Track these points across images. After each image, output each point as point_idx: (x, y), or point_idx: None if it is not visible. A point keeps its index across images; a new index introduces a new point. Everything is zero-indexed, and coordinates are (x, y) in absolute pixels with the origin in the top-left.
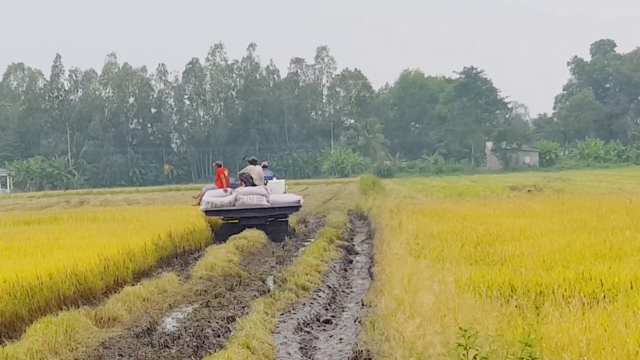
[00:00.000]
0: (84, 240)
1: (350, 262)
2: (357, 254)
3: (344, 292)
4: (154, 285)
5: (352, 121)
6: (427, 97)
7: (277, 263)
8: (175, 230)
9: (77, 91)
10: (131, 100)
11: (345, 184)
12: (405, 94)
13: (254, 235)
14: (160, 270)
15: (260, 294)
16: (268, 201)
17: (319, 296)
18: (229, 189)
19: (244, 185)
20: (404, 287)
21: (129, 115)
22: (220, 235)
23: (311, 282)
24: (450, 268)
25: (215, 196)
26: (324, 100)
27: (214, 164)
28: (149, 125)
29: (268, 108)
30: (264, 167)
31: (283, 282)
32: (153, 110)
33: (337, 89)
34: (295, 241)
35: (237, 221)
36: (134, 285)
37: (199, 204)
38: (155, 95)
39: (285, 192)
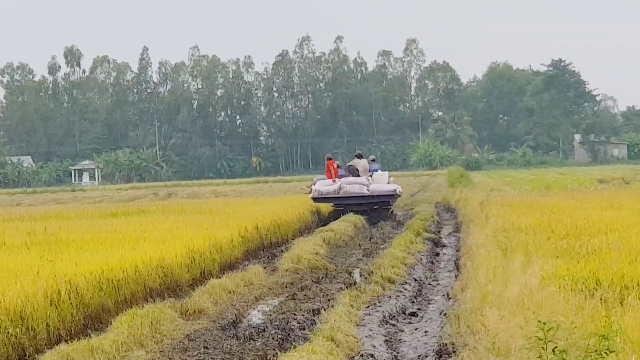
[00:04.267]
0: (170, 233)
1: (437, 254)
2: (444, 246)
3: (430, 284)
4: (240, 278)
5: (440, 113)
6: (515, 89)
7: (363, 255)
8: (262, 222)
9: (166, 83)
10: (219, 92)
11: (433, 177)
12: (493, 86)
13: (340, 228)
14: (246, 263)
15: (346, 287)
16: (368, 190)
17: (405, 289)
18: (337, 179)
19: (351, 176)
20: (490, 280)
21: (217, 108)
22: (331, 219)
23: (397, 275)
24: (537, 261)
25: (323, 185)
26: (412, 93)
27: (326, 157)
28: (237, 117)
29: (356, 100)
30: (372, 160)
31: (369, 275)
32: (242, 103)
33: (426, 82)
34: (382, 234)
35: (343, 208)
36: (220, 277)
37: (310, 193)
38: (245, 87)
39: (388, 183)
